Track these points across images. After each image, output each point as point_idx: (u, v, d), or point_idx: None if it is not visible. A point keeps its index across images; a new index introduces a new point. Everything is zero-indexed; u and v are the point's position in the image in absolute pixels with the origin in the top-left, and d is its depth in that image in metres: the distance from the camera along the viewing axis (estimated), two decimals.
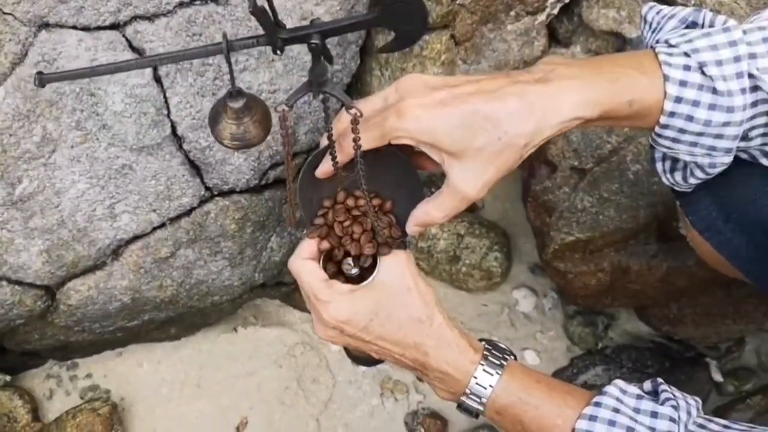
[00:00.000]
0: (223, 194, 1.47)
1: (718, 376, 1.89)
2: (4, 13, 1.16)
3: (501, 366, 1.04)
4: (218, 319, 1.88)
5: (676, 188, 1.11)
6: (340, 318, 1.01)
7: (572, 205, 1.59)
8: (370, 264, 1.06)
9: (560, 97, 0.93)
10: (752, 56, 0.92)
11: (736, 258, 1.16)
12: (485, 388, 1.03)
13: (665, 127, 0.95)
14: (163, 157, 1.36)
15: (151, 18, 1.25)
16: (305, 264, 1.07)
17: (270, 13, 0.91)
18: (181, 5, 1.27)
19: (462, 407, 1.07)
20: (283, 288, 1.87)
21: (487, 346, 1.07)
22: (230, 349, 1.90)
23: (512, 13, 1.54)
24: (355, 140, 0.97)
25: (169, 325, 1.77)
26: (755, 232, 1.09)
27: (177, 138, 1.36)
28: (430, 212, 1.01)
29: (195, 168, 1.42)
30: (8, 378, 1.79)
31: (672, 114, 0.93)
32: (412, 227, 1.05)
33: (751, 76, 0.91)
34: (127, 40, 1.25)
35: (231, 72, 0.92)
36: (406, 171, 1.08)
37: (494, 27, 1.55)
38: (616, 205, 1.56)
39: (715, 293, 1.72)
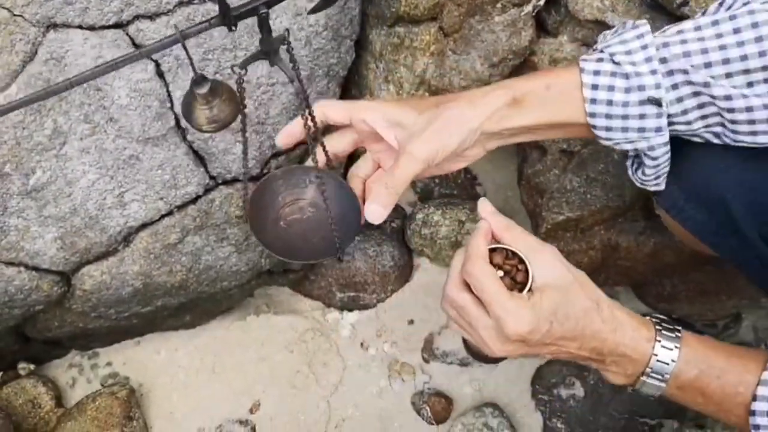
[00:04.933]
0: (227, 183, 1.55)
1: None
2: (15, 15, 1.25)
3: (677, 338, 1.02)
4: (230, 307, 1.96)
5: (648, 187, 1.19)
6: (524, 330, 0.96)
7: (562, 186, 1.66)
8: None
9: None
10: (665, 45, 1.02)
11: (701, 234, 1.21)
12: (667, 364, 1.00)
13: (593, 116, 1.05)
14: (168, 147, 1.45)
15: (152, 17, 1.34)
16: (489, 271, 1.01)
17: None
18: (180, 4, 1.35)
19: (638, 389, 1.04)
20: (291, 275, 1.95)
21: (654, 320, 1.05)
22: (243, 336, 1.98)
23: (498, 5, 1.61)
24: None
25: (183, 313, 1.85)
26: (715, 208, 1.14)
27: (180, 129, 1.45)
28: (392, 181, 1.07)
29: (199, 158, 1.50)
30: (32, 367, 1.89)
31: (593, 101, 1.04)
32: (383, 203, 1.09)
33: (663, 60, 1.01)
34: (130, 38, 1.34)
35: (190, 60, 0.99)
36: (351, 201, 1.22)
37: (482, 18, 1.62)
38: (602, 185, 1.62)
39: (705, 270, 1.78)
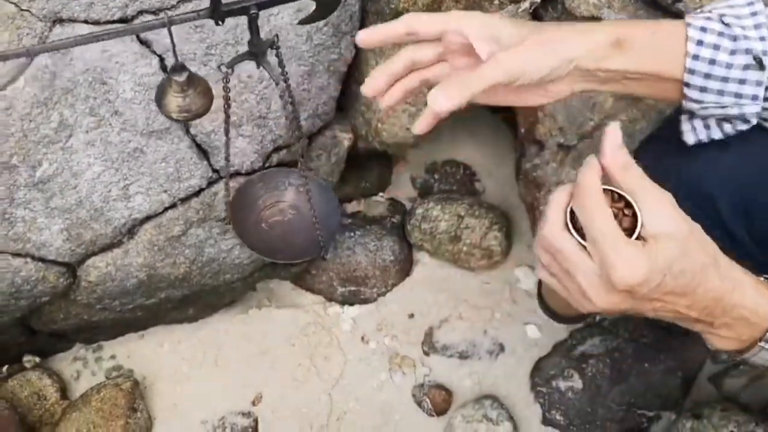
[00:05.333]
0: (229, 176, 1.58)
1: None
2: (22, 10, 1.28)
3: None
4: (233, 301, 1.99)
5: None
6: (636, 280, 0.85)
7: (559, 180, 1.68)
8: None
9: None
10: None
11: None
12: None
13: (691, 72, 1.00)
14: (172, 140, 1.48)
15: (156, 12, 1.37)
16: (605, 208, 0.87)
17: None
18: (183, 1, 1.38)
19: (748, 358, 0.97)
20: (293, 269, 1.98)
21: None
22: (245, 330, 2.01)
23: (496, 2, 1.64)
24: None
25: (186, 306, 1.88)
26: (705, 205, 1.13)
27: (184, 123, 1.47)
28: (469, 78, 0.94)
29: (202, 151, 1.53)
30: (38, 360, 1.92)
31: (696, 57, 0.98)
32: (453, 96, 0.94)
33: None
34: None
35: (173, 47, 1.03)
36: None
37: None
38: None
39: None
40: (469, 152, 2.25)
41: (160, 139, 1.46)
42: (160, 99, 1.10)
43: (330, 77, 1.62)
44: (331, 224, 1.25)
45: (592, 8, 1.65)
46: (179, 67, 1.07)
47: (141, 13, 1.36)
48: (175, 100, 1.09)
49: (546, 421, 1.89)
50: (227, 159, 1.29)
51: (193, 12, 1.03)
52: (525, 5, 1.68)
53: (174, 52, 1.03)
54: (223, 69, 1.08)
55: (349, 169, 1.91)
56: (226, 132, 1.20)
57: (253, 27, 1.05)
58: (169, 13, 1.35)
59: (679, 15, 1.55)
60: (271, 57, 1.10)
